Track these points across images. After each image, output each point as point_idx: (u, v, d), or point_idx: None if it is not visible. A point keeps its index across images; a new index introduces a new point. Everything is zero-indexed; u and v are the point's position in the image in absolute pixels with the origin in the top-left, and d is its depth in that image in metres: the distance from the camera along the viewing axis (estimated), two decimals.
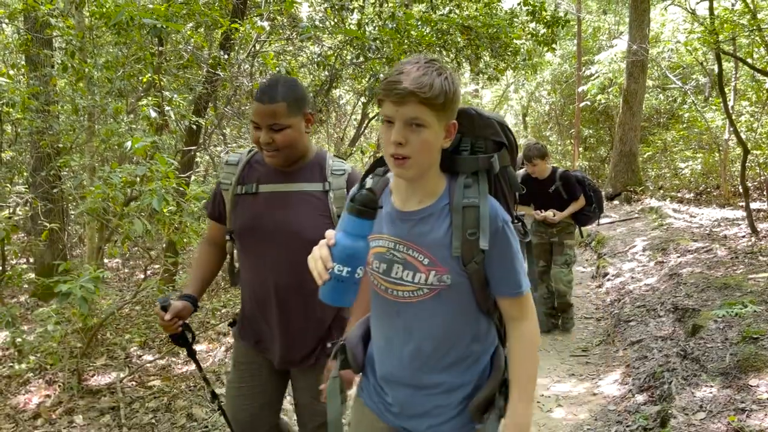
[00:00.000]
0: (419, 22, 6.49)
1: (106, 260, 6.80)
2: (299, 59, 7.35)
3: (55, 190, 5.49)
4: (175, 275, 5.37)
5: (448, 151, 1.38)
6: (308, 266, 1.27)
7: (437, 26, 6.60)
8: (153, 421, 3.37)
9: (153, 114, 4.21)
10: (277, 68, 5.07)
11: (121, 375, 3.87)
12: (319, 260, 1.26)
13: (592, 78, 13.72)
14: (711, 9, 6.99)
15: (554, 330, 5.11)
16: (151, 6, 4.67)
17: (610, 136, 15.17)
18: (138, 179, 3.59)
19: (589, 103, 14.22)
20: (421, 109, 1.25)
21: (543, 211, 4.83)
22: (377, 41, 5.83)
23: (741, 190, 7.09)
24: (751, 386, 2.92)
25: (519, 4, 7.63)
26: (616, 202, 11.33)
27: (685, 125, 12.68)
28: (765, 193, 8.82)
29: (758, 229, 6.41)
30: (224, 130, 6.87)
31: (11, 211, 4.87)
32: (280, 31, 6.41)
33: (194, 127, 5.38)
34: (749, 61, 8.16)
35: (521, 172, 4.91)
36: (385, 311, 1.46)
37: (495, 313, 1.47)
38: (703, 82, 12.74)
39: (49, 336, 3.63)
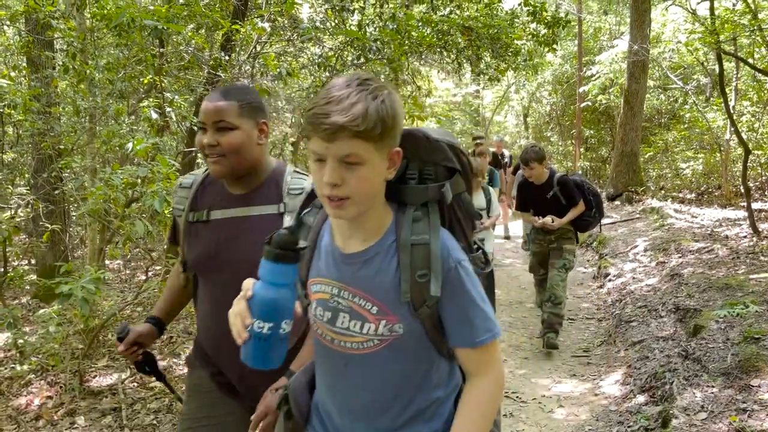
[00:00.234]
0: (420, 23, 6.50)
1: (107, 261, 6.80)
2: (300, 60, 7.35)
3: (56, 192, 5.51)
4: None
5: (392, 181, 1.21)
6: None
7: (438, 27, 6.60)
8: (154, 422, 3.38)
9: (154, 115, 4.22)
10: (278, 69, 5.07)
11: (123, 376, 3.88)
12: (237, 317, 1.12)
13: (593, 78, 13.71)
14: (712, 9, 6.98)
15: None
16: (152, 7, 4.68)
17: (611, 137, 15.15)
18: (139, 180, 3.60)
19: (590, 103, 14.20)
20: (355, 143, 1.08)
21: (542, 217, 4.62)
22: (378, 42, 5.83)
23: (742, 191, 7.07)
24: (753, 386, 2.92)
25: (520, 4, 7.63)
26: (617, 202, 11.32)
27: (686, 125, 12.66)
28: (767, 193, 8.81)
29: (760, 230, 6.40)
30: None
31: (13, 212, 4.87)
32: (281, 32, 6.41)
33: (195, 128, 5.37)
34: (750, 61, 8.15)
35: (519, 173, 4.88)
36: (333, 363, 1.29)
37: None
38: (704, 83, 12.73)
39: (50, 337, 3.64)
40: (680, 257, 6.02)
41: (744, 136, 7.40)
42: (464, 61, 7.63)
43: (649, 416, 3.13)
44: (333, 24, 6.73)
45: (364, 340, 1.22)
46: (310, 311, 1.30)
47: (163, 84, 4.83)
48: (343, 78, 1.13)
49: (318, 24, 6.23)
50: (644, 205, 10.30)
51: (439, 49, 6.99)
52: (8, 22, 6.19)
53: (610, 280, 6.44)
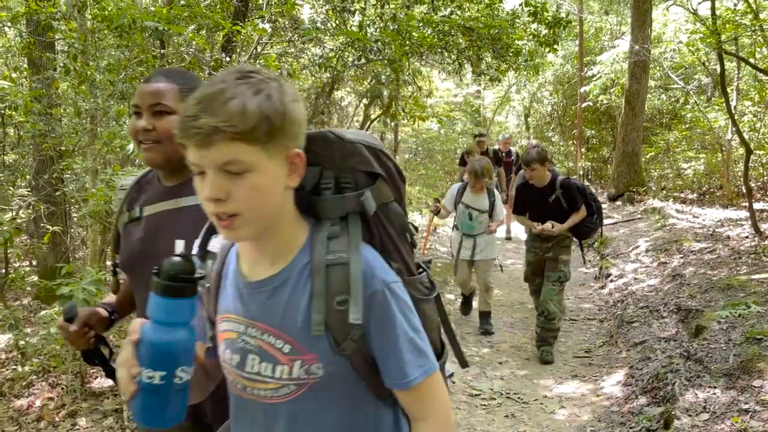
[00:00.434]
0: (421, 24, 6.50)
1: (108, 263, 6.80)
2: (301, 61, 7.36)
3: (57, 193, 5.51)
4: None
5: (305, 191, 1.04)
6: None
7: (439, 27, 6.61)
8: None
9: None
10: (279, 70, 5.08)
11: None
12: (122, 367, 0.93)
13: (595, 78, 13.70)
14: (713, 9, 6.97)
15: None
16: (152, 9, 4.69)
17: (612, 137, 15.13)
18: None
19: (591, 103, 14.19)
20: (235, 148, 0.89)
21: (540, 222, 4.41)
22: (379, 43, 5.83)
23: (744, 191, 7.06)
24: (755, 387, 2.91)
25: (520, 4, 7.63)
26: (618, 202, 11.30)
27: (687, 125, 12.64)
28: None
29: (761, 230, 6.39)
30: None
31: (14, 214, 4.88)
32: (282, 33, 6.42)
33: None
34: (752, 61, 8.14)
35: (520, 174, 4.66)
36: (247, 414, 1.08)
37: None
38: (705, 83, 12.71)
39: (52, 338, 3.64)
40: (682, 258, 6.01)
41: (746, 136, 7.39)
42: (465, 61, 7.64)
43: (651, 417, 3.13)
44: (334, 25, 6.74)
45: (278, 386, 1.01)
46: (219, 354, 1.09)
47: None
48: (221, 73, 0.95)
49: (319, 25, 6.25)
50: (646, 205, 10.29)
51: (440, 50, 6.99)
52: (9, 24, 6.20)
53: (611, 281, 6.43)
